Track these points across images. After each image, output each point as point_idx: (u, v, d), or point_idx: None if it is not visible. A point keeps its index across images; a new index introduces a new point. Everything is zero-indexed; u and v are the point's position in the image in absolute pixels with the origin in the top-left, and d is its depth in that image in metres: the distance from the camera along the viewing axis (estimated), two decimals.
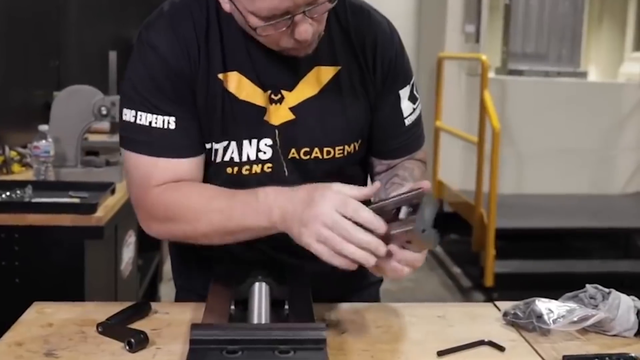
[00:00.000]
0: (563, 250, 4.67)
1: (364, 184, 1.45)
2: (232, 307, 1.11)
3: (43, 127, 2.31)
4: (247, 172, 1.23)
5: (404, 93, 1.31)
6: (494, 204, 4.08)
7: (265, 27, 1.09)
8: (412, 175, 1.30)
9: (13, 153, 2.57)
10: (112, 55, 3.14)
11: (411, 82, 1.33)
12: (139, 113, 1.18)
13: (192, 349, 0.83)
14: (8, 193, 2.12)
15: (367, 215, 1.00)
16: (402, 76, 1.30)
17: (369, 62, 1.26)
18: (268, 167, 1.24)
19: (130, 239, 2.70)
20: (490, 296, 4.13)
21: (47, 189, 2.20)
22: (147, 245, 3.40)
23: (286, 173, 1.24)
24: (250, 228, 1.11)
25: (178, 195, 1.18)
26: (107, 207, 2.07)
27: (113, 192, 2.21)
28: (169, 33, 1.18)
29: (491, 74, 4.95)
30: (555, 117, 5.04)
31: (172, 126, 1.18)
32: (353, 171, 1.34)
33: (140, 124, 1.18)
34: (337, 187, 1.04)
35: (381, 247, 1.01)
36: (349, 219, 1.00)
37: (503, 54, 5.28)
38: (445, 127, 4.93)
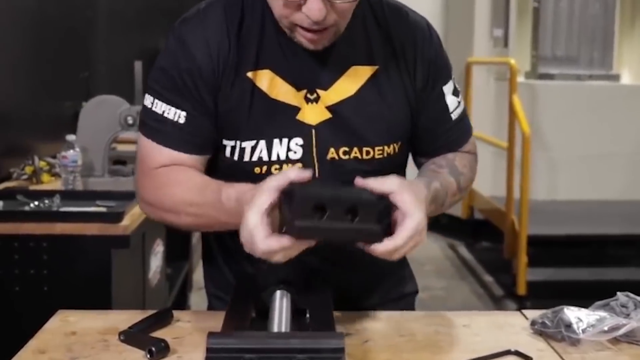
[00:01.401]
0: (597, 257, 4.59)
1: None
2: (254, 314, 1.10)
3: (71, 137, 2.34)
4: (277, 172, 1.22)
5: (448, 88, 1.30)
6: (525, 211, 4.02)
7: None
8: (449, 163, 1.29)
9: (42, 163, 2.60)
10: (138, 65, 3.17)
11: (453, 78, 1.33)
12: (156, 101, 1.22)
13: (208, 357, 0.83)
14: (37, 202, 2.15)
15: (262, 248, 1.01)
16: (444, 73, 1.30)
17: (409, 62, 1.25)
18: (298, 167, 1.23)
19: (158, 247, 2.71)
20: (522, 305, 4.07)
21: (74, 199, 2.22)
22: (176, 254, 3.42)
23: (316, 174, 1.23)
24: (232, 224, 1.11)
25: (167, 183, 1.20)
26: (133, 216, 2.08)
27: None
28: (198, 33, 1.20)
29: (521, 79, 4.90)
30: (587, 122, 4.96)
31: (182, 121, 1.20)
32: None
33: (154, 111, 1.22)
34: (246, 219, 1.02)
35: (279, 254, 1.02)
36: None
37: (532, 57, 5.22)
38: (475, 133, 4.83)
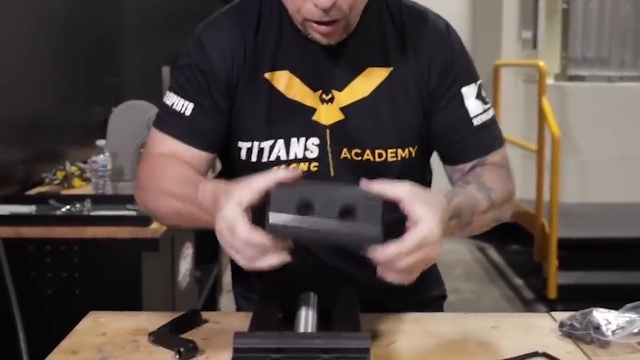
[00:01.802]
0: (629, 260, 4.52)
1: None
2: (280, 315, 1.11)
3: (100, 142, 2.37)
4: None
5: (468, 91, 1.25)
6: (555, 213, 3.99)
7: None
8: (476, 179, 1.22)
9: (73, 168, 2.64)
10: (165, 70, 3.21)
11: (477, 83, 1.27)
12: (170, 94, 1.25)
13: (235, 357, 0.84)
14: (68, 207, 2.18)
15: (254, 238, 0.98)
16: (463, 75, 1.25)
17: (424, 65, 1.23)
18: (314, 166, 1.23)
19: (187, 251, 2.73)
20: (553, 308, 4.02)
21: (105, 203, 2.25)
22: (205, 257, 3.44)
23: (332, 173, 1.24)
24: (202, 221, 1.11)
25: (158, 170, 1.21)
26: None
27: None
28: (215, 37, 1.23)
29: (550, 81, 4.85)
30: (618, 123, 4.90)
31: (188, 113, 1.22)
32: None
33: (166, 103, 1.25)
34: (226, 210, 1.00)
35: (283, 257, 0.99)
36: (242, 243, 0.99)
37: (562, 59, 5.17)
38: (504, 135, 4.83)
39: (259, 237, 0.97)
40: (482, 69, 4.80)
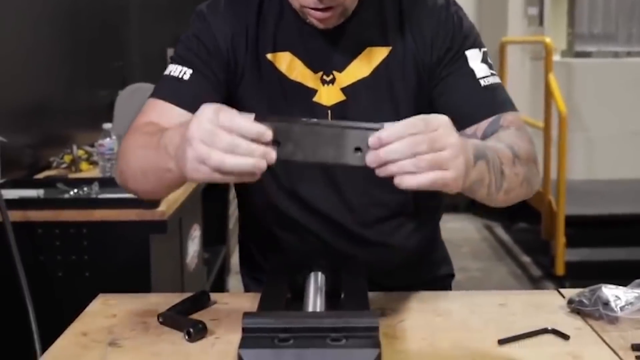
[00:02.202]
0: (635, 237, 4.51)
1: (433, 195, 1.38)
2: (289, 296, 1.11)
3: (107, 126, 2.37)
4: None
5: (473, 54, 1.22)
6: (562, 191, 3.98)
7: None
8: (495, 137, 1.16)
9: (81, 152, 2.65)
10: (170, 53, 3.19)
11: (482, 50, 1.24)
12: (169, 65, 1.23)
13: (244, 337, 0.83)
14: (76, 190, 2.19)
15: (238, 121, 0.85)
16: (466, 42, 1.22)
17: (426, 41, 1.22)
18: None
19: (195, 232, 2.74)
20: (561, 285, 4.02)
21: (112, 186, 2.24)
22: (213, 238, 3.45)
23: None
24: (165, 169, 0.99)
25: (136, 132, 1.14)
26: (169, 202, 2.10)
27: None
28: (219, 14, 1.23)
29: (557, 57, 4.82)
30: (626, 99, 4.87)
31: (186, 77, 1.20)
32: None
33: (164, 74, 1.23)
34: (207, 105, 0.89)
35: (271, 153, 0.86)
36: (227, 130, 0.85)
37: (569, 35, 5.13)
38: None
39: (244, 119, 0.86)
40: (488, 47, 4.75)
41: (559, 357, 1.06)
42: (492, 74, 1.23)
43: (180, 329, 1.13)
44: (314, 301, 1.06)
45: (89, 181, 2.23)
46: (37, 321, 1.94)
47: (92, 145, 2.67)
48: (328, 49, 1.21)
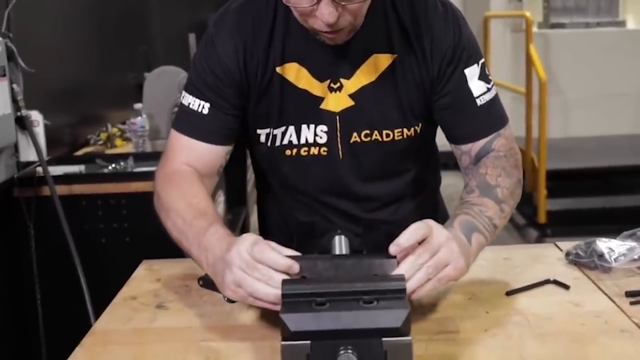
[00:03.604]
0: (609, 187, 4.49)
1: (434, 174, 1.35)
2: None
3: (137, 106, 2.34)
4: (306, 154, 1.18)
5: (472, 72, 1.13)
6: (543, 148, 3.97)
7: None
8: (479, 184, 1.11)
9: (114, 129, 2.62)
10: (191, 37, 3.15)
11: (480, 62, 1.15)
12: (185, 94, 1.16)
13: (284, 302, 0.81)
14: (113, 165, 2.16)
15: (269, 256, 0.88)
16: (464, 57, 1.13)
17: (426, 50, 1.12)
18: (324, 151, 1.18)
19: (220, 198, 2.72)
20: (544, 232, 4.05)
21: (145, 159, 2.23)
22: (235, 201, 3.44)
23: (340, 156, 1.18)
24: (196, 260, 1.03)
25: (172, 190, 1.13)
26: None
27: None
28: (227, 35, 1.13)
29: (534, 29, 4.75)
30: (597, 65, 4.82)
31: (205, 112, 1.14)
32: (418, 157, 1.24)
33: (183, 104, 1.17)
34: (248, 235, 0.93)
35: None
36: (261, 261, 0.89)
37: (544, 9, 5.05)
38: (495, 81, 4.77)
39: (276, 255, 0.89)
40: (472, 21, 4.71)
41: (562, 305, 1.05)
42: (488, 89, 1.15)
43: (219, 291, 1.11)
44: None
45: (124, 156, 2.21)
46: (86, 282, 1.94)
47: (124, 123, 2.64)
48: (335, 59, 1.13)
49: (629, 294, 1.05)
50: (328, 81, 1.14)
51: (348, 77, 1.14)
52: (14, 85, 1.88)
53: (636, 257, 1.12)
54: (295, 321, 0.78)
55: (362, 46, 1.13)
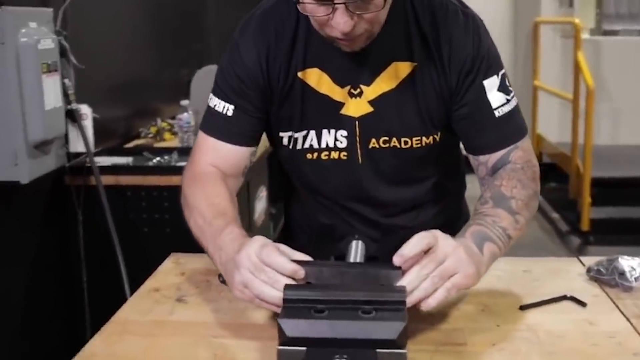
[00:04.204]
0: None
1: (456, 181, 1.31)
2: (334, 261, 1.06)
3: (184, 102, 2.36)
4: (326, 158, 1.16)
5: (491, 84, 1.09)
6: (588, 155, 3.83)
7: (305, 4, 0.98)
8: (494, 195, 1.06)
9: (164, 123, 2.65)
10: None
11: (500, 73, 1.10)
12: (212, 96, 1.16)
13: (284, 307, 0.80)
14: (158, 158, 2.19)
15: (276, 259, 0.87)
16: (484, 67, 1.09)
17: (444, 59, 1.08)
18: (344, 155, 1.15)
19: (262, 193, 2.72)
20: (586, 240, 3.92)
21: (189, 154, 2.23)
22: (278, 196, 3.44)
23: (360, 161, 1.16)
24: (211, 258, 1.02)
25: (196, 189, 1.13)
26: None
27: None
28: (250, 40, 1.12)
29: (585, 35, 4.59)
30: None
31: (230, 113, 1.13)
32: (439, 165, 1.21)
33: (210, 106, 1.17)
34: (259, 237, 0.92)
35: None
36: (268, 265, 0.87)
37: (597, 15, 4.86)
38: (543, 86, 4.64)
39: (283, 259, 0.88)
40: (523, 27, 4.57)
41: (576, 323, 0.99)
42: (508, 101, 1.11)
43: None
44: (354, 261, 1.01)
45: (169, 150, 2.23)
46: (126, 268, 1.97)
47: (174, 118, 2.67)
48: (355, 66, 1.10)
49: None
50: (348, 87, 1.12)
51: (368, 84, 1.11)
52: (66, 80, 1.93)
53: None
54: (292, 327, 0.76)
55: (383, 53, 1.10)
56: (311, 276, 0.87)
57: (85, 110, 2.01)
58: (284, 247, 0.92)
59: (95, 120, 2.14)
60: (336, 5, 0.95)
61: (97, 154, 2.20)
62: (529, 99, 4.86)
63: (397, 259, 0.87)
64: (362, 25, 1.00)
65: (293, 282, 0.86)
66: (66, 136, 2.01)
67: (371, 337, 0.74)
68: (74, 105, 1.96)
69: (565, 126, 4.31)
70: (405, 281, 0.86)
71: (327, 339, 0.75)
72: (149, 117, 2.74)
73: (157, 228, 2.06)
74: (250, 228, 2.53)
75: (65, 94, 1.92)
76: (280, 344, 0.76)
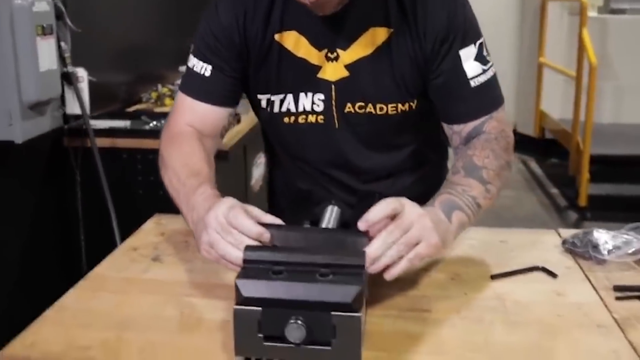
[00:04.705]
0: None
1: (437, 150, 1.28)
2: (307, 225, 1.04)
3: (182, 68, 2.31)
4: (303, 121, 1.13)
5: (467, 53, 1.06)
6: (589, 132, 3.76)
7: None
8: (465, 164, 1.03)
9: (165, 89, 2.62)
10: None
11: (477, 43, 1.07)
12: (191, 56, 1.14)
13: (243, 268, 0.78)
14: (155, 122, 2.17)
15: (242, 222, 0.84)
16: (460, 36, 1.05)
17: (420, 26, 1.05)
18: (321, 119, 1.13)
19: (260, 160, 2.69)
20: (583, 215, 3.87)
21: None
22: None
23: (336, 125, 1.13)
24: (184, 216, 1.00)
25: (173, 149, 1.10)
26: (231, 134, 2.06)
27: (239, 121, 2.19)
28: (229, 1, 1.09)
29: (593, 13, 4.47)
30: None
31: (207, 74, 1.11)
32: (418, 132, 1.18)
33: (188, 66, 1.14)
34: (227, 199, 0.89)
35: None
36: (235, 226, 0.85)
37: None
38: (548, 63, 4.55)
39: (249, 222, 0.85)
40: (530, 3, 4.43)
41: (545, 293, 0.97)
42: (484, 71, 1.07)
43: None
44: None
45: (166, 115, 2.20)
46: (121, 228, 1.96)
47: (175, 84, 2.64)
48: (332, 29, 1.07)
49: (616, 289, 0.96)
50: (325, 50, 1.08)
51: (345, 48, 1.08)
52: (62, 43, 1.90)
53: (630, 251, 1.02)
54: (248, 287, 0.74)
55: (360, 18, 1.06)
56: (277, 240, 0.85)
57: (81, 73, 1.98)
58: (252, 209, 0.89)
59: (95, 84, 2.12)
60: None
61: (97, 117, 2.18)
62: (534, 76, 4.77)
63: (361, 224, 0.84)
64: None
65: (257, 244, 0.84)
66: (63, 98, 1.99)
67: (325, 300, 0.72)
68: (70, 68, 1.93)
69: (568, 103, 4.23)
70: (371, 248, 0.83)
71: (283, 299, 0.73)
72: (151, 83, 2.71)
73: (152, 190, 2.05)
74: (247, 194, 2.51)
75: (62, 57, 1.90)
76: (237, 304, 0.74)
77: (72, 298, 0.99)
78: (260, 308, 0.73)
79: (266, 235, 0.85)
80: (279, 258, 0.78)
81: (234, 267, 0.86)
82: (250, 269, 0.77)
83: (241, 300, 0.73)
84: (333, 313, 0.72)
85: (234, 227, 0.86)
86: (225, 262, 0.87)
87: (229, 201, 0.89)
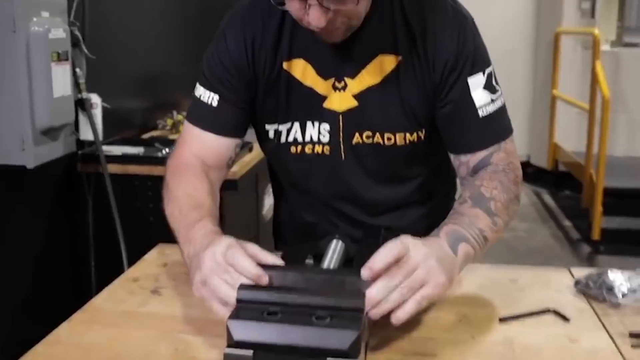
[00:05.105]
0: None
1: (445, 182, 1.22)
2: (311, 261, 0.99)
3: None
4: (310, 152, 1.09)
5: (475, 81, 1.02)
6: (602, 165, 3.67)
7: None
8: (473, 194, 0.98)
9: (180, 116, 2.60)
10: None
11: (487, 71, 1.03)
12: (198, 86, 1.10)
13: (236, 307, 0.72)
14: (167, 150, 2.14)
15: (241, 262, 0.79)
16: (469, 64, 1.01)
17: (429, 54, 1.01)
18: (327, 150, 1.08)
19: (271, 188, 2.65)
20: (596, 249, 3.76)
21: None
22: None
23: (343, 157, 1.08)
24: (181, 249, 0.96)
25: (178, 180, 1.05)
26: (243, 163, 2.02)
27: (250, 150, 2.16)
28: (238, 27, 1.06)
29: (607, 47, 4.42)
30: None
31: (215, 104, 1.07)
32: (426, 164, 1.13)
33: (195, 95, 1.10)
34: (227, 238, 0.85)
35: None
36: (232, 266, 0.80)
37: (618, 28, 4.68)
38: (561, 96, 4.49)
39: (247, 262, 0.80)
40: (544, 36, 4.39)
41: (556, 338, 0.90)
42: (493, 101, 1.03)
43: None
44: (328, 267, 0.93)
45: None
46: (130, 256, 1.92)
47: None
48: (340, 57, 1.03)
49: (632, 335, 0.89)
50: (332, 79, 1.04)
51: (353, 76, 1.04)
52: (77, 70, 1.88)
53: None
54: (240, 329, 0.69)
55: (368, 46, 1.02)
56: (276, 281, 0.80)
57: (95, 99, 1.97)
58: (252, 249, 0.84)
59: (110, 111, 2.10)
60: (310, 1, 0.89)
61: (111, 143, 2.16)
62: (547, 108, 4.71)
63: (365, 273, 0.78)
64: (340, 19, 0.93)
65: (248, 284, 0.78)
66: (77, 124, 1.97)
67: (321, 346, 0.66)
68: (84, 94, 1.91)
69: (581, 136, 4.16)
70: (372, 290, 0.77)
71: (276, 344, 0.67)
72: (166, 110, 2.69)
73: (162, 218, 2.00)
74: (258, 223, 2.46)
75: (77, 83, 1.88)
76: (228, 346, 0.68)
77: (65, 331, 0.94)
78: (251, 351, 0.67)
79: (264, 278, 0.79)
80: (274, 298, 0.72)
81: (222, 309, 0.80)
82: (243, 309, 0.72)
83: (232, 342, 0.68)
84: (329, 359, 0.66)
85: (232, 266, 0.81)
86: (216, 302, 0.81)
87: (228, 240, 0.85)
